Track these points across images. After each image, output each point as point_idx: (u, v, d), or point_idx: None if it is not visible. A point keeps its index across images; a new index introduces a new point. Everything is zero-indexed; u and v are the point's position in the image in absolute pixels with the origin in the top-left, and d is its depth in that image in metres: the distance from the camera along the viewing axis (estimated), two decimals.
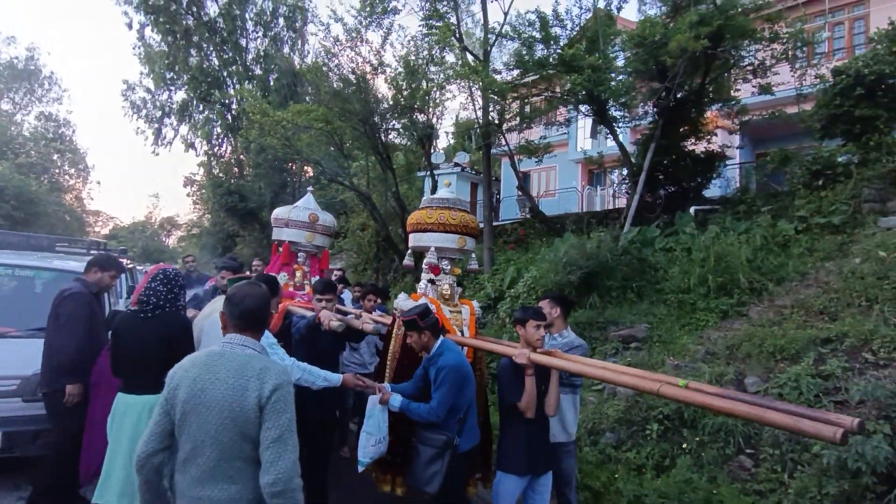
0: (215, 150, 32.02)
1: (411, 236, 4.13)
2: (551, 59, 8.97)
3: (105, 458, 2.74)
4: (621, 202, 12.57)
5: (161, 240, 59.66)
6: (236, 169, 30.13)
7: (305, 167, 18.33)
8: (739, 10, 7.58)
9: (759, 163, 8.84)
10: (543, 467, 3.10)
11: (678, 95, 8.79)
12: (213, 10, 30.38)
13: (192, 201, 41.03)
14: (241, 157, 29.44)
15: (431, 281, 4.01)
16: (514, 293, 8.43)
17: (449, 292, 4.02)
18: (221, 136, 31.17)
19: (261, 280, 3.14)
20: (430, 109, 10.92)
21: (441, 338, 3.20)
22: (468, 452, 3.07)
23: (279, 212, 4.67)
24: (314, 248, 4.70)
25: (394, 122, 11.54)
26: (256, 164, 24.77)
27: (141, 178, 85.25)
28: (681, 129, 9.40)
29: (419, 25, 10.12)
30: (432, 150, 26.20)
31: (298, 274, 4.55)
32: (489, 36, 10.07)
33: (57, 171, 33.73)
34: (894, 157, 7.28)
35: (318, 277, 4.42)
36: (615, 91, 8.44)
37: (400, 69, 10.64)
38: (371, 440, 3.24)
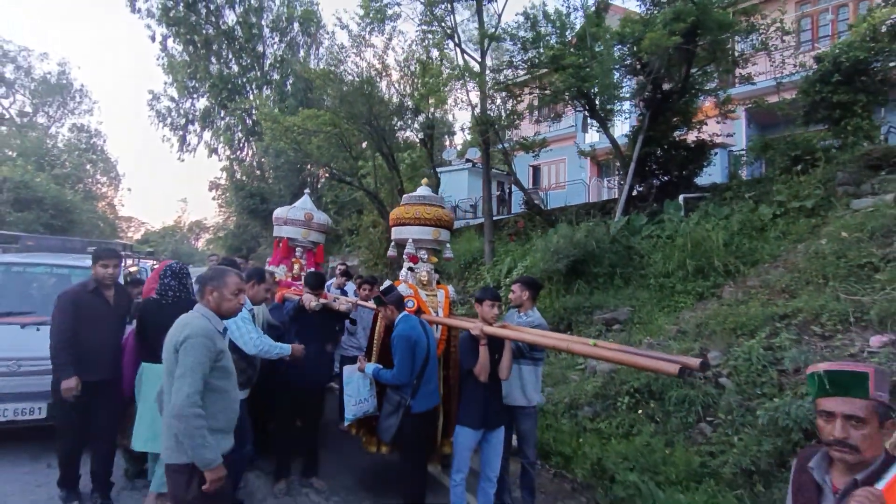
0: (237, 154, 33.19)
1: (393, 230, 4.70)
2: (541, 59, 9.39)
3: (137, 413, 3.43)
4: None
5: (190, 243, 61.80)
6: (258, 172, 31.20)
7: (322, 168, 19.07)
8: (716, 4, 7.90)
9: (749, 149, 9.08)
10: (495, 423, 3.64)
11: (664, 88, 9.13)
12: (231, 18, 31.50)
13: (217, 205, 42.67)
14: (262, 160, 30.46)
15: (410, 269, 4.57)
16: (509, 282, 8.93)
17: (426, 278, 4.58)
18: (242, 140, 32.29)
19: (251, 272, 3.78)
20: (431, 109, 11.43)
21: (403, 312, 3.77)
22: (425, 413, 3.63)
23: (279, 211, 5.30)
24: (310, 244, 5.31)
25: (398, 122, 12.07)
26: (276, 167, 25.73)
27: (169, 183, 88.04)
28: (673, 120, 9.73)
29: (416, 31, 10.64)
30: (449, 147, 26.65)
31: (296, 267, 5.17)
32: (485, 38, 10.51)
33: (90, 180, 35.37)
34: (872, 141, 7.53)
35: (313, 270, 5.01)
36: (602, 87, 8.83)
37: (406, 69, 11.17)
38: (351, 401, 3.84)
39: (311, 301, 3.90)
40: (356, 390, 3.84)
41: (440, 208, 4.60)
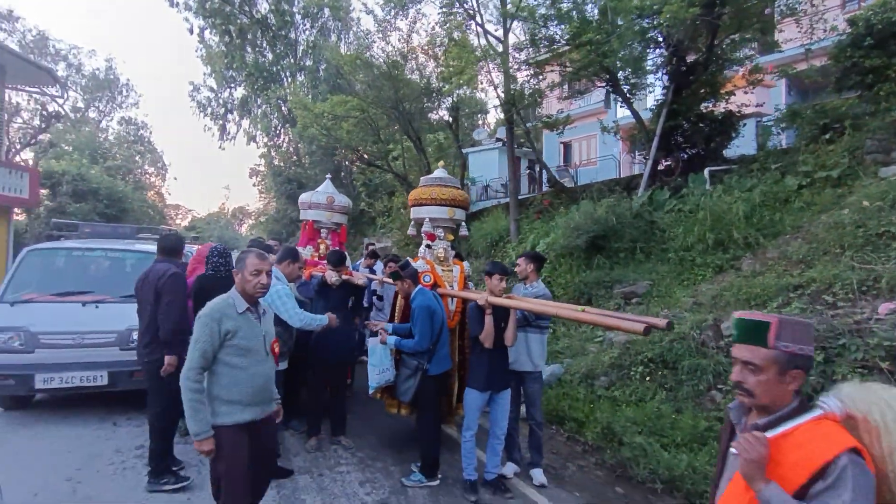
0: (274, 141, 34.15)
1: (412, 210, 5.03)
2: (562, 35, 9.40)
3: None
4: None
5: (234, 228, 64.15)
6: (294, 157, 32.05)
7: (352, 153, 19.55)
8: None
9: (777, 119, 8.87)
10: (501, 386, 3.95)
11: (689, 60, 9.00)
12: (263, 7, 32.15)
13: (257, 191, 44.12)
14: (298, 145, 31.26)
15: (428, 246, 4.90)
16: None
17: (443, 255, 4.90)
18: (279, 127, 33.18)
19: (284, 252, 4.21)
20: (456, 91, 11.59)
21: (418, 286, 4.11)
22: (439, 376, 3.98)
23: (303, 196, 5.71)
24: (333, 225, 5.70)
25: (426, 104, 12.27)
26: (311, 153, 26.43)
27: (213, 171, 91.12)
28: (700, 92, 9.59)
29: (438, 12, 10.77)
30: (481, 126, 26.55)
31: (322, 247, 5.58)
32: (506, 17, 10.55)
33: (139, 170, 37.15)
34: None
35: (335, 248, 5.40)
36: (624, 61, 8.80)
37: (431, 51, 11.32)
38: (375, 371, 4.22)
39: (332, 276, 4.31)
40: (380, 360, 4.22)
41: (455, 189, 4.89)
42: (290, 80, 31.70)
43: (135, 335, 4.72)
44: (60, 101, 18.56)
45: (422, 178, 5.08)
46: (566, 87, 11.16)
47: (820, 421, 1.36)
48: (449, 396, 4.67)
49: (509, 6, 10.53)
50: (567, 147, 22.94)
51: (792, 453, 1.34)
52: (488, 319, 3.80)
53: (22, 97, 25.10)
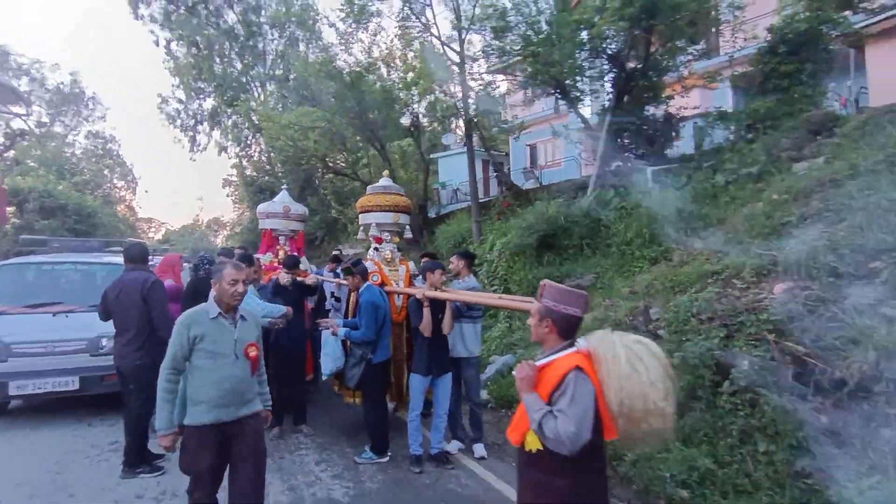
0: (246, 151, 34.18)
1: (360, 216, 5.50)
2: (511, 47, 9.98)
3: None
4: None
5: (209, 240, 63.49)
6: (267, 167, 32.15)
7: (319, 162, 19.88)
8: None
9: (708, 121, 9.58)
10: (441, 371, 4.44)
11: (628, 67, 9.66)
12: (231, 18, 32.27)
13: (231, 201, 43.93)
14: (270, 154, 31.38)
15: (376, 248, 5.38)
16: (489, 258, 9.68)
17: (390, 256, 5.38)
18: (250, 137, 33.26)
19: (240, 257, 4.64)
20: (416, 100, 12.09)
21: (367, 283, 4.59)
22: (381, 364, 4.47)
23: (261, 207, 6.14)
24: (290, 232, 6.14)
25: (387, 114, 12.73)
26: (282, 161, 26.63)
27: (186, 183, 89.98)
28: (644, 96, 10.26)
29: (395, 25, 11.29)
30: (450, 131, 27.09)
31: (281, 253, 6.01)
32: (460, 30, 11.11)
33: (108, 184, 36.71)
34: (818, 107, 8.03)
35: (290, 253, 5.84)
36: (568, 71, 9.41)
37: (391, 62, 11.79)
38: (328, 359, 4.69)
39: (284, 278, 4.78)
40: (332, 350, 4.69)
41: (398, 195, 5.38)
42: (260, 89, 31.88)
43: (104, 342, 5.08)
44: (24, 117, 18.49)
45: (368, 186, 5.56)
46: (523, 93, 11.72)
47: (571, 355, 1.94)
48: (399, 384, 5.14)
49: (463, 19, 11.10)
50: (533, 149, 23.69)
51: (547, 374, 1.97)
52: (426, 311, 4.28)
53: None
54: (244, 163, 33.54)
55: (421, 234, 13.04)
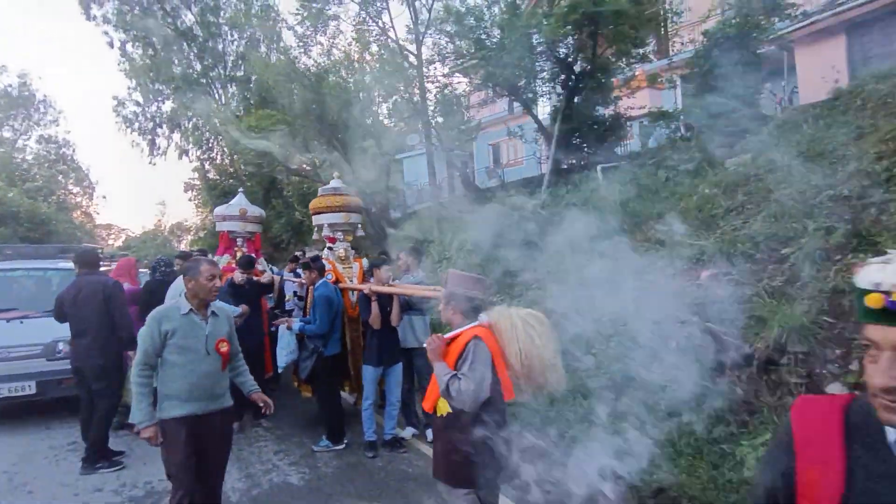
0: (208, 154, 33.55)
1: (314, 217, 5.71)
2: (466, 50, 10.30)
3: None
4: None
5: (173, 245, 61.88)
6: (230, 170, 31.66)
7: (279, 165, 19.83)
8: None
9: (650, 120, 10.12)
10: (392, 361, 4.70)
11: (577, 70, 10.10)
12: (189, 18, 31.66)
13: (194, 205, 43.03)
14: (234, 156, 30.90)
15: (329, 248, 5.60)
16: (448, 255, 9.99)
17: (344, 254, 5.62)
18: (211, 140, 32.69)
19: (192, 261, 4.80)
20: (378, 101, 12.28)
21: (322, 278, 4.82)
22: (334, 356, 4.72)
23: (218, 209, 6.27)
24: (248, 234, 6.30)
25: (347, 116, 12.87)
26: (245, 164, 26.30)
27: (145, 187, 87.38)
28: (595, 97, 10.72)
29: (352, 28, 11.48)
30: (420, 130, 27.28)
31: (238, 254, 6.15)
32: (418, 34, 11.37)
33: (62, 191, 35.52)
34: (749, 107, 8.61)
35: (245, 254, 6.00)
36: (519, 73, 9.79)
37: (349, 65, 11.96)
38: (283, 352, 4.90)
39: (238, 276, 4.96)
40: (287, 343, 4.90)
41: (348, 196, 5.61)
42: (221, 91, 31.37)
43: (60, 346, 5.16)
44: None
45: (319, 188, 5.78)
46: (480, 95, 12.06)
47: (473, 327, 2.25)
48: (358, 377, 5.38)
49: (420, 23, 11.37)
50: (496, 148, 24.15)
51: (454, 345, 2.23)
52: (374, 305, 4.54)
53: None
54: (206, 166, 32.93)
55: (385, 234, 13.25)
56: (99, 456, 4.23)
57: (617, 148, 11.01)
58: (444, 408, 2.36)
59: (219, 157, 32.69)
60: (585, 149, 10.95)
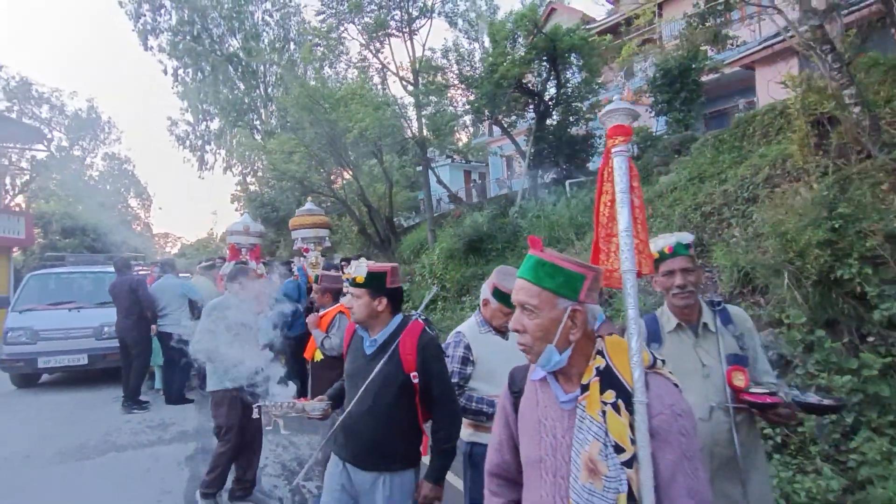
0: (251, 168, 36.42)
1: (292, 233, 7.38)
2: (451, 83, 11.82)
3: None
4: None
5: (225, 251, 65.93)
6: (271, 182, 34.29)
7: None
8: (573, 31, 10.15)
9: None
10: None
11: (546, 97, 11.44)
12: (233, 44, 34.66)
13: (239, 215, 46.34)
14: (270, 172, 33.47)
15: (303, 256, 7.23)
16: (429, 261, 11.49)
17: (314, 261, 7.22)
18: (252, 155, 35.50)
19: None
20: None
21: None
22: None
23: (229, 227, 8.02)
24: (250, 245, 8.00)
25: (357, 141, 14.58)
26: (279, 178, 28.74)
27: (199, 198, 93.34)
28: (569, 119, 12.02)
29: (354, 66, 13.20)
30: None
31: (244, 260, 7.86)
32: (415, 70, 12.99)
33: (121, 205, 39.26)
34: (687, 129, 9.74)
35: (253, 262, 7.68)
36: (495, 103, 11.24)
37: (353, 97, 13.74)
38: None
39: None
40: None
41: (318, 216, 7.25)
42: (262, 110, 34.11)
43: (106, 329, 7.01)
44: (45, 151, 20.76)
45: (297, 209, 7.44)
46: (461, 120, 13.54)
47: (339, 307, 3.71)
48: None
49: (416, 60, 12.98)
50: (510, 160, 25.51)
51: (325, 318, 3.72)
52: None
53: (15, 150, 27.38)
54: (247, 179, 35.73)
55: (389, 242, 14.86)
56: (133, 402, 6.01)
57: (588, 164, 12.21)
58: (318, 356, 3.83)
59: (259, 170, 35.47)
60: (558, 165, 12.25)
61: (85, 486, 4.09)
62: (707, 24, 6.85)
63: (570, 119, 12.01)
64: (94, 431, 5.27)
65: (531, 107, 11.79)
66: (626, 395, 1.30)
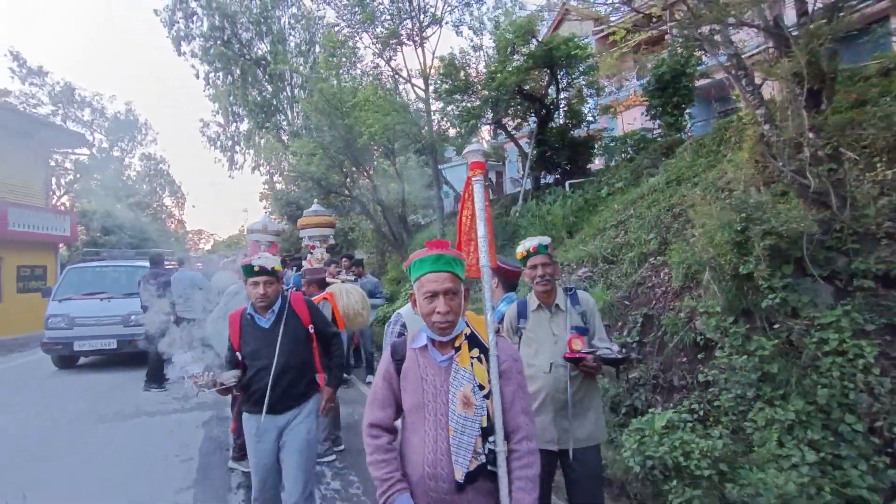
0: (278, 167, 37.80)
1: (300, 232, 8.19)
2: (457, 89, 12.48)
3: None
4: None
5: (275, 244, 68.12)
6: (297, 181, 35.54)
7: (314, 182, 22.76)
8: (562, 42, 10.68)
9: (607, 143, 11.80)
10: None
11: (548, 102, 11.99)
12: (261, 49, 36.00)
13: (267, 213, 48.08)
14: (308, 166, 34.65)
15: (310, 252, 8.03)
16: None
17: (320, 256, 8.02)
18: (278, 155, 36.83)
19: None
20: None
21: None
22: None
23: (249, 225, 8.91)
24: (268, 243, 8.86)
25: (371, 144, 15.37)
26: (303, 178, 29.91)
27: (231, 196, 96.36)
28: (570, 122, 12.55)
29: (367, 74, 13.96)
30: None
31: None
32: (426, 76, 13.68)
33: (156, 203, 41.22)
34: (679, 132, 10.18)
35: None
36: (498, 109, 11.85)
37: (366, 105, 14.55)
38: None
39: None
40: None
41: (323, 216, 8.05)
42: (289, 111, 35.36)
43: (133, 317, 7.95)
44: (87, 155, 22.25)
45: (304, 211, 8.25)
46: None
47: (325, 294, 4.48)
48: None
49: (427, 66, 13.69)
50: (525, 158, 26.01)
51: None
52: None
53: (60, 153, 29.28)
54: (274, 178, 37.08)
55: (403, 239, 15.63)
56: (154, 380, 6.92)
57: (589, 165, 12.70)
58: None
59: (284, 170, 36.78)
60: (561, 166, 12.78)
61: (122, 441, 4.97)
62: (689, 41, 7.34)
63: (571, 123, 12.52)
64: (127, 402, 6.19)
65: (532, 112, 12.33)
66: (484, 351, 2.00)
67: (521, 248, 2.84)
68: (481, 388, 1.94)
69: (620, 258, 6.98)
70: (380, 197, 15.41)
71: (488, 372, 1.97)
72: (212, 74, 36.95)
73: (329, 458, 4.68)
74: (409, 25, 13.44)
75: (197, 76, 36.81)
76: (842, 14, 3.64)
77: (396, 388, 2.01)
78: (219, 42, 35.45)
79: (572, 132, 12.61)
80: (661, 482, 3.59)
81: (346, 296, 4.56)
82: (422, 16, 13.60)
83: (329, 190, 16.17)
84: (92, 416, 5.74)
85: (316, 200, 8.49)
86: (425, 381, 1.95)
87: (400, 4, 13.27)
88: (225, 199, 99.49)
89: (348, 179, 16.84)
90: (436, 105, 13.63)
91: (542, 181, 13.22)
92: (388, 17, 13.77)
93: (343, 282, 6.59)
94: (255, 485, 3.00)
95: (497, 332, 2.10)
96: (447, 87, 12.31)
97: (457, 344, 2.00)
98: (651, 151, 9.91)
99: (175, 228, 42.77)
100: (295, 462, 2.93)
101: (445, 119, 13.36)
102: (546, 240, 2.81)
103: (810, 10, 3.84)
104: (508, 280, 3.58)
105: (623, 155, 10.74)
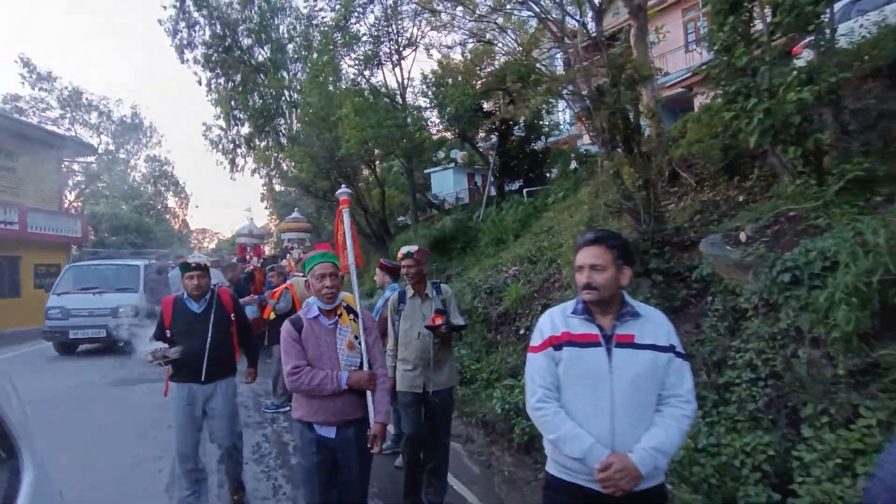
0: (277, 170, 39.30)
1: (281, 235, 9.66)
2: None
3: None
4: None
5: (259, 247, 69.77)
6: (297, 183, 37.03)
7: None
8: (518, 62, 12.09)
9: (554, 155, 13.27)
10: None
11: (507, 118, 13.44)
12: (261, 55, 37.52)
13: (268, 213, 49.66)
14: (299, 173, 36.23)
15: (288, 254, 9.51)
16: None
17: (297, 257, 9.48)
18: (277, 158, 38.38)
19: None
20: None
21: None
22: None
23: (237, 229, 10.42)
24: (253, 245, 10.37)
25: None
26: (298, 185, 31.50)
27: (233, 196, 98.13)
28: (531, 136, 14.01)
29: (350, 91, 15.44)
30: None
31: (246, 257, 10.20)
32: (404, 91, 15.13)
33: (160, 205, 42.78)
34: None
35: (255, 258, 9.99)
36: (468, 126, 13.31)
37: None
38: None
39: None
40: None
41: (301, 222, 9.53)
42: (288, 115, 36.87)
43: (120, 309, 9.43)
44: (93, 163, 23.77)
45: (286, 217, 9.75)
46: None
47: (287, 284, 6.00)
48: None
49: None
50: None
51: (276, 291, 5.99)
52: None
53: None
54: (273, 181, 38.58)
55: (383, 241, 17.12)
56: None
57: (548, 174, 14.16)
58: (272, 315, 6.08)
59: (279, 174, 38.27)
60: (520, 176, 14.24)
61: (133, 399, 6.47)
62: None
63: (532, 136, 13.97)
64: (130, 373, 7.71)
65: (493, 127, 13.79)
66: (356, 315, 3.45)
67: (400, 252, 4.19)
68: (356, 338, 3.38)
69: (541, 259, 8.43)
70: (361, 201, 16.89)
71: (360, 328, 3.40)
72: (213, 80, 38.47)
73: (285, 409, 6.15)
74: (387, 49, 14.92)
75: (199, 82, 38.23)
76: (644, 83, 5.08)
77: (301, 347, 2.91)
78: (220, 49, 36.96)
79: (532, 144, 14.06)
80: (513, 419, 5.05)
81: (301, 286, 6.02)
82: (399, 38, 15.08)
83: (317, 195, 17.66)
84: (103, 382, 7.28)
85: (303, 205, 9.96)
86: (319, 340, 3.16)
87: (377, 31, 14.75)
88: (229, 199, 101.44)
89: (334, 186, 18.33)
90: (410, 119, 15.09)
91: (507, 188, 14.65)
92: (370, 39, 15.28)
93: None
94: (178, 440, 3.75)
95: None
96: (420, 103, 13.85)
97: (339, 312, 3.45)
98: (588, 165, 11.34)
99: (179, 228, 44.39)
100: (224, 425, 3.89)
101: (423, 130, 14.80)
102: (413, 248, 4.15)
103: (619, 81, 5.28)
104: (393, 273, 5.00)
105: (569, 167, 12.16)
